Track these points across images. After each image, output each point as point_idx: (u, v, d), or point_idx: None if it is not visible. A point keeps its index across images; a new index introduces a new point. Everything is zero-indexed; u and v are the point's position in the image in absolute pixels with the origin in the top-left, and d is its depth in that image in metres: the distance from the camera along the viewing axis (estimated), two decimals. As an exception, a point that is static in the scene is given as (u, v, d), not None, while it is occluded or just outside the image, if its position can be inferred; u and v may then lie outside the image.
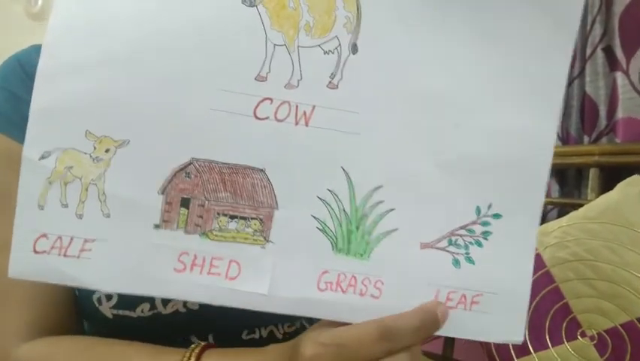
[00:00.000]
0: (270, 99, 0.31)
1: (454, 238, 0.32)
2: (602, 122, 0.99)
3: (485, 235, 0.32)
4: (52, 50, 0.31)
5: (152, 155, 0.31)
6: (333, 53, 0.31)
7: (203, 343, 0.36)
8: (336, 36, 0.31)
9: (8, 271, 0.31)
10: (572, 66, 1.02)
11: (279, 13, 0.31)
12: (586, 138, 1.02)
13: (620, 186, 0.85)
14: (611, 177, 0.93)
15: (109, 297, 0.42)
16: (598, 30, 0.98)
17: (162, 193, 0.31)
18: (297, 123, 0.31)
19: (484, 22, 0.31)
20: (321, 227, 0.32)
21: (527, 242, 0.33)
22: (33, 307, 0.41)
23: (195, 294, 0.31)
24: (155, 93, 0.31)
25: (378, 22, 0.31)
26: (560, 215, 0.96)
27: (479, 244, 0.32)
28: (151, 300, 0.43)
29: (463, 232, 0.32)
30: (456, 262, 0.33)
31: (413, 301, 0.32)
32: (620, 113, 0.94)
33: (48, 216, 0.31)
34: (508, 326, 0.33)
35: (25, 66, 0.50)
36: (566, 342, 0.84)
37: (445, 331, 0.32)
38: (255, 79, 0.31)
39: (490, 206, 0.32)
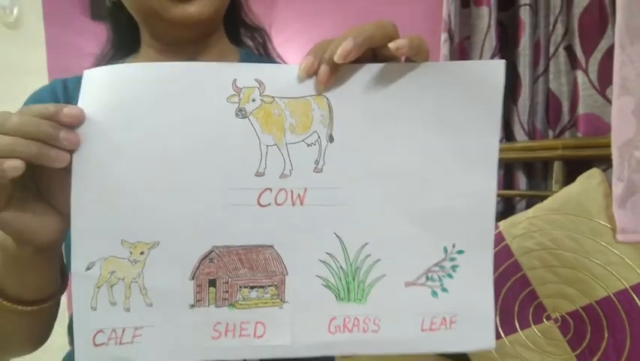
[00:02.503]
0: (270, 189, 0.37)
1: (430, 274, 0.39)
2: (565, 117, 1.05)
3: (454, 268, 0.39)
4: (82, 179, 0.36)
5: (179, 249, 0.37)
6: (314, 144, 0.38)
7: None
8: (315, 131, 0.38)
9: None
10: (537, 64, 1.07)
11: (267, 120, 0.37)
12: (550, 132, 1.07)
13: (581, 179, 0.90)
14: (574, 169, 0.98)
15: None
16: (560, 29, 1.03)
17: (192, 279, 0.38)
18: (293, 204, 0.38)
19: (430, 112, 0.38)
20: (324, 283, 0.39)
21: (486, 268, 0.40)
22: None
23: (232, 354, 0.38)
24: (176, 199, 0.37)
25: (347, 116, 0.37)
26: (529, 206, 1.02)
27: (450, 276, 0.39)
28: None
29: (436, 268, 0.39)
30: (434, 293, 0.39)
31: (405, 330, 0.39)
32: (581, 109, 0.99)
33: (101, 315, 0.37)
34: (481, 336, 0.40)
35: (68, 85, 0.55)
36: (533, 325, 0.91)
37: (434, 349, 0.40)
38: (255, 175, 0.37)
39: (454, 245, 0.39)
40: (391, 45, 0.35)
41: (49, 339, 0.50)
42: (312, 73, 0.37)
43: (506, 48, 1.12)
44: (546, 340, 0.89)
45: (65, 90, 0.55)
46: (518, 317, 0.92)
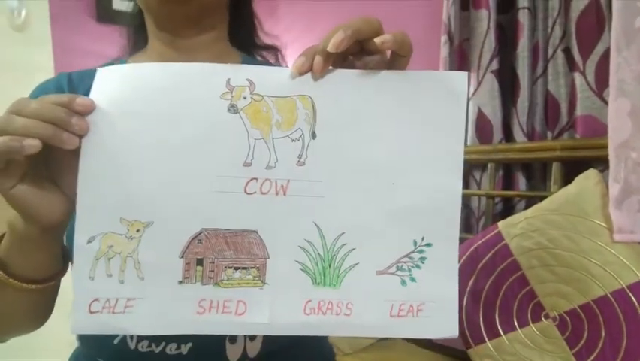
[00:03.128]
0: (256, 178, 0.41)
1: (400, 265, 0.42)
2: (564, 118, 1.06)
3: (422, 260, 0.42)
4: (89, 161, 0.39)
5: (171, 230, 0.40)
6: (298, 140, 0.41)
7: None
8: (300, 127, 0.41)
9: (70, 328, 0.40)
10: (536, 66, 1.09)
11: (256, 116, 0.41)
12: (549, 134, 1.09)
13: (578, 180, 0.91)
14: (572, 170, 0.99)
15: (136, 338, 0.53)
16: (558, 32, 1.04)
17: (182, 257, 0.41)
18: (277, 194, 0.41)
19: (401, 116, 0.41)
20: (302, 268, 0.42)
21: (452, 262, 0.43)
22: None
23: (214, 329, 0.41)
24: (171, 184, 0.40)
25: (329, 115, 0.41)
26: (528, 206, 1.03)
27: (418, 267, 0.42)
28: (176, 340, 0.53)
29: (406, 259, 0.42)
30: (403, 282, 0.42)
31: (375, 315, 0.42)
32: (579, 111, 1.01)
33: (98, 285, 0.40)
34: (445, 324, 0.43)
35: (73, 78, 0.59)
36: (531, 324, 0.92)
37: (401, 334, 0.43)
38: (243, 165, 0.41)
39: (423, 238, 0.42)
40: (377, 40, 0.39)
41: (58, 335, 0.52)
42: (303, 72, 0.40)
43: (505, 50, 1.14)
44: (544, 338, 0.90)
45: (70, 83, 0.59)
46: (517, 315, 0.93)
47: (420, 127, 0.41)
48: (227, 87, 0.40)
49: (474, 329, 0.97)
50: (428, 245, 0.42)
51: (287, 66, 0.68)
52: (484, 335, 0.95)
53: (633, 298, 0.82)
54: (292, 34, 1.64)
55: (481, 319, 0.96)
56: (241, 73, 0.40)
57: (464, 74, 0.41)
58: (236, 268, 0.41)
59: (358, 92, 0.41)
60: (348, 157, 0.41)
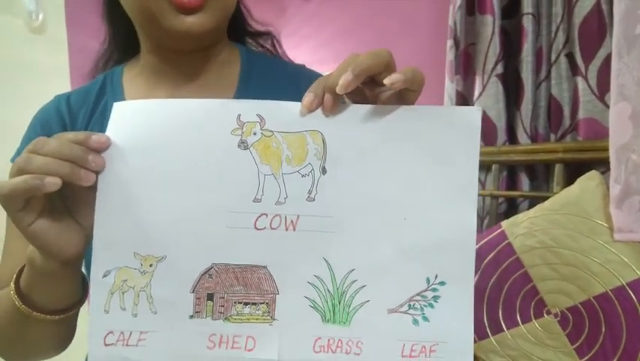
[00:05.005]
0: (266, 214, 0.41)
1: (412, 303, 0.41)
2: (567, 121, 1.09)
3: (435, 298, 0.41)
4: (105, 197, 0.41)
5: (183, 264, 0.41)
6: (308, 175, 0.41)
7: None
8: (310, 163, 0.41)
9: (88, 359, 0.41)
10: (539, 70, 1.12)
11: (266, 152, 0.41)
12: (552, 136, 1.11)
13: (580, 181, 0.94)
14: (574, 171, 1.02)
15: None
16: (561, 37, 1.07)
17: (193, 292, 0.41)
18: (287, 229, 0.41)
19: (414, 151, 0.41)
20: (312, 305, 0.41)
21: (466, 300, 0.41)
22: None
23: None
24: (183, 219, 0.41)
25: (339, 151, 0.41)
26: (531, 206, 1.05)
27: (431, 306, 0.41)
28: None
29: (418, 297, 0.41)
30: (415, 322, 0.41)
31: (386, 355, 0.41)
32: (581, 114, 1.03)
33: (112, 318, 0.41)
34: None
35: (71, 100, 0.58)
36: (534, 320, 0.95)
37: None
38: (253, 201, 0.41)
39: (436, 276, 0.41)
40: (386, 81, 0.38)
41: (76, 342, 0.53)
42: (313, 108, 0.40)
43: (510, 55, 1.16)
44: (546, 334, 0.93)
45: (69, 107, 0.58)
46: (520, 311, 0.96)
47: (433, 162, 0.41)
48: (237, 123, 0.41)
49: (478, 324, 1.00)
50: (442, 283, 0.41)
51: (283, 51, 0.67)
52: (488, 331, 0.99)
53: (633, 295, 0.85)
54: (302, 33, 1.68)
55: (485, 315, 0.99)
56: (251, 108, 0.41)
57: (478, 109, 0.41)
58: (246, 304, 0.42)
59: (369, 127, 0.40)
60: (359, 192, 0.41)
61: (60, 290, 0.45)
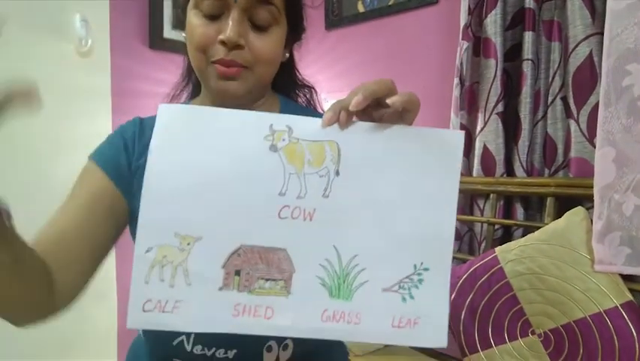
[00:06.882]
0: (288, 206, 0.48)
1: (402, 284, 0.49)
2: (560, 158, 1.19)
3: (420, 281, 0.49)
4: (151, 185, 0.47)
5: (216, 244, 0.47)
6: (325, 176, 0.48)
7: None
8: (326, 166, 0.48)
9: (127, 322, 0.46)
10: (537, 110, 1.21)
11: (292, 155, 0.48)
12: (547, 170, 1.21)
13: (567, 215, 1.04)
14: (565, 204, 1.11)
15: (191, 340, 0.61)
16: (557, 82, 1.17)
17: (223, 267, 0.47)
18: (304, 220, 0.48)
19: (407, 161, 0.49)
20: (321, 282, 0.48)
21: (444, 284, 0.49)
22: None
23: (246, 330, 0.48)
24: (218, 207, 0.48)
25: (351, 157, 0.48)
26: (525, 234, 1.15)
27: (417, 287, 0.49)
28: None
29: (406, 280, 0.49)
30: (403, 299, 0.49)
31: (380, 325, 0.48)
32: (572, 153, 1.13)
33: (151, 288, 0.46)
34: (437, 336, 0.49)
35: (144, 124, 0.68)
36: (520, 338, 1.04)
37: (400, 342, 0.50)
38: (279, 194, 0.48)
39: (421, 263, 0.49)
40: (388, 101, 0.48)
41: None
42: (331, 123, 0.48)
43: (510, 95, 1.26)
44: (530, 352, 1.03)
45: (141, 126, 0.68)
46: (508, 330, 1.06)
47: (422, 172, 0.49)
48: (269, 131, 0.48)
49: (469, 339, 1.10)
50: (426, 269, 0.49)
51: (319, 106, 0.79)
52: (478, 346, 1.08)
53: (609, 321, 0.94)
54: (322, 63, 1.81)
55: (476, 331, 1.09)
56: (282, 120, 0.48)
57: (461, 133, 0.49)
58: (267, 280, 0.48)
59: (374, 140, 0.48)
60: (365, 192, 0.48)
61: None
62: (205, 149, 0.48)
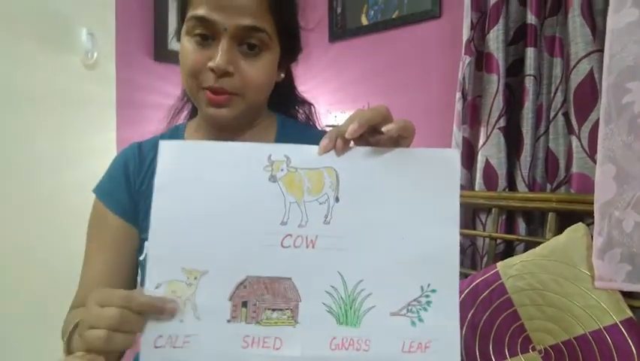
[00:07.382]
0: (290, 235, 0.48)
1: (410, 307, 0.48)
2: (562, 173, 1.19)
3: (428, 303, 0.49)
4: (158, 223, 0.48)
5: (222, 277, 0.48)
6: (325, 203, 0.49)
7: None
8: (326, 193, 0.49)
9: (140, 359, 0.48)
10: (539, 125, 1.22)
11: (291, 185, 0.49)
12: (548, 186, 1.21)
13: (567, 232, 1.04)
14: (566, 220, 1.11)
15: None
16: (559, 98, 1.18)
17: (230, 300, 0.48)
18: (307, 247, 0.48)
19: (407, 183, 0.49)
20: (328, 310, 0.48)
21: (453, 305, 0.49)
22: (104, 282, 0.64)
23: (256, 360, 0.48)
24: (222, 239, 0.48)
25: (349, 183, 0.49)
26: (526, 249, 1.15)
27: (425, 310, 0.48)
28: None
29: (415, 303, 0.49)
30: (413, 323, 0.49)
31: (389, 351, 0.48)
32: (574, 169, 1.14)
33: (162, 323, 0.47)
34: (449, 360, 0.49)
35: (142, 149, 0.69)
36: (520, 354, 1.04)
37: None
38: (280, 224, 0.48)
39: (429, 285, 0.49)
40: (384, 129, 0.48)
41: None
42: (328, 150, 0.49)
43: (512, 110, 1.27)
44: (531, 368, 1.03)
45: (140, 152, 0.69)
46: (508, 345, 1.06)
47: (422, 192, 0.49)
48: (268, 161, 0.49)
49: (470, 355, 1.10)
50: (433, 291, 0.48)
51: (318, 121, 0.80)
52: (479, 361, 1.08)
53: (608, 338, 0.94)
54: (324, 76, 1.82)
55: (477, 346, 1.09)
56: (280, 150, 0.49)
57: (456, 152, 0.50)
58: (274, 310, 0.48)
59: (372, 165, 0.49)
60: (366, 217, 0.49)
61: None
62: (206, 183, 0.49)
